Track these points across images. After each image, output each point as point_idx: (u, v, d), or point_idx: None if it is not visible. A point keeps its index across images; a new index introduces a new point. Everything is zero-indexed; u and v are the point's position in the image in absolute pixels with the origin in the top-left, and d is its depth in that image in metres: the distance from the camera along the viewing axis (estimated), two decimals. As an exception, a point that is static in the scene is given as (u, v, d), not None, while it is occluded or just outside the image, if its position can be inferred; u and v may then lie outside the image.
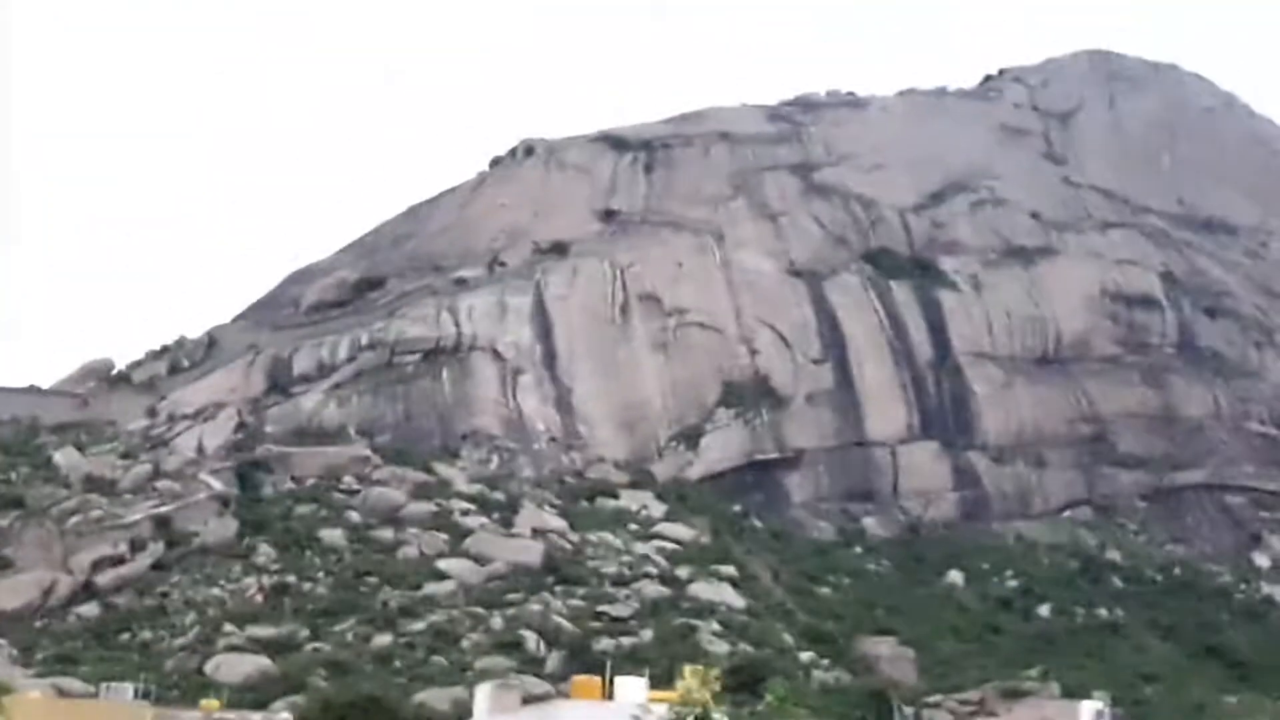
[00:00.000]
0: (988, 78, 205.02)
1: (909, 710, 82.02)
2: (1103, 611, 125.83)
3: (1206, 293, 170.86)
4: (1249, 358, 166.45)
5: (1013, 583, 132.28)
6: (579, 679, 56.66)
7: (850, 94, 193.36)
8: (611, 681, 49.34)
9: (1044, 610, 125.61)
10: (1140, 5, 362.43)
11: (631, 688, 45.57)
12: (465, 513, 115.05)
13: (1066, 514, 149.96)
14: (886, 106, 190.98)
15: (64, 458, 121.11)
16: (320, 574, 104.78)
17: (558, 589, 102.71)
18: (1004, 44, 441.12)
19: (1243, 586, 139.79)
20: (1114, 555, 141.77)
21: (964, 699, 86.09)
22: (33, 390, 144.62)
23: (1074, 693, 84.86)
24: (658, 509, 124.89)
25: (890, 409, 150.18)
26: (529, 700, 58.44)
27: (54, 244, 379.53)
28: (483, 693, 56.20)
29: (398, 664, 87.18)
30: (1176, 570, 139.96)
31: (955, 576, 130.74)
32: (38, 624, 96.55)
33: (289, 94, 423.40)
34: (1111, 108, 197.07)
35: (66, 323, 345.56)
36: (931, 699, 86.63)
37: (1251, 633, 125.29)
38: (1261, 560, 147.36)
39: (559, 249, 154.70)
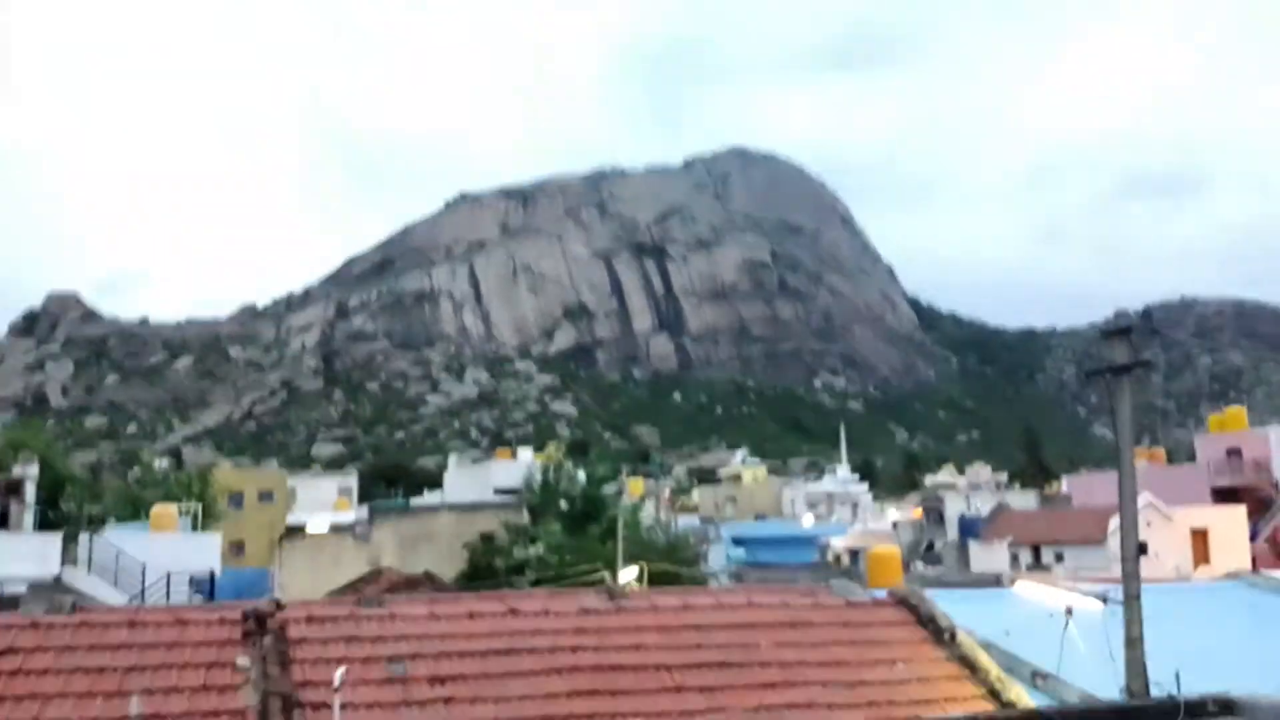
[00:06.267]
0: (687, 160, 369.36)
1: (656, 458, 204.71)
2: (745, 409, 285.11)
3: (790, 260, 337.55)
4: (811, 291, 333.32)
5: (704, 398, 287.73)
6: (499, 450, 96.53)
7: (621, 169, 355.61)
8: (515, 452, 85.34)
9: (718, 411, 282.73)
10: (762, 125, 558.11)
11: (525, 454, 76.81)
12: (440, 372, 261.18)
13: (728, 366, 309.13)
14: (639, 173, 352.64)
15: (236, 352, 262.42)
16: (367, 404, 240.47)
17: (488, 409, 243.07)
18: (695, 139, 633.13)
19: (808, 395, 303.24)
20: (750, 383, 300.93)
21: (683, 452, 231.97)
22: (216, 320, 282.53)
23: (732, 448, 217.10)
24: (534, 369, 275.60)
25: (644, 319, 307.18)
26: (475, 461, 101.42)
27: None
28: (452, 459, 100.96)
29: (408, 447, 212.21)
30: (779, 390, 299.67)
31: (677, 396, 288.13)
32: (225, 433, 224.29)
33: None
34: (745, 174, 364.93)
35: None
36: (666, 453, 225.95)
37: (815, 416, 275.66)
38: (817, 383, 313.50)
39: (481, 244, 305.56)
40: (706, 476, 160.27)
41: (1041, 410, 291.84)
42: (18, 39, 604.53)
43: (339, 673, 8.83)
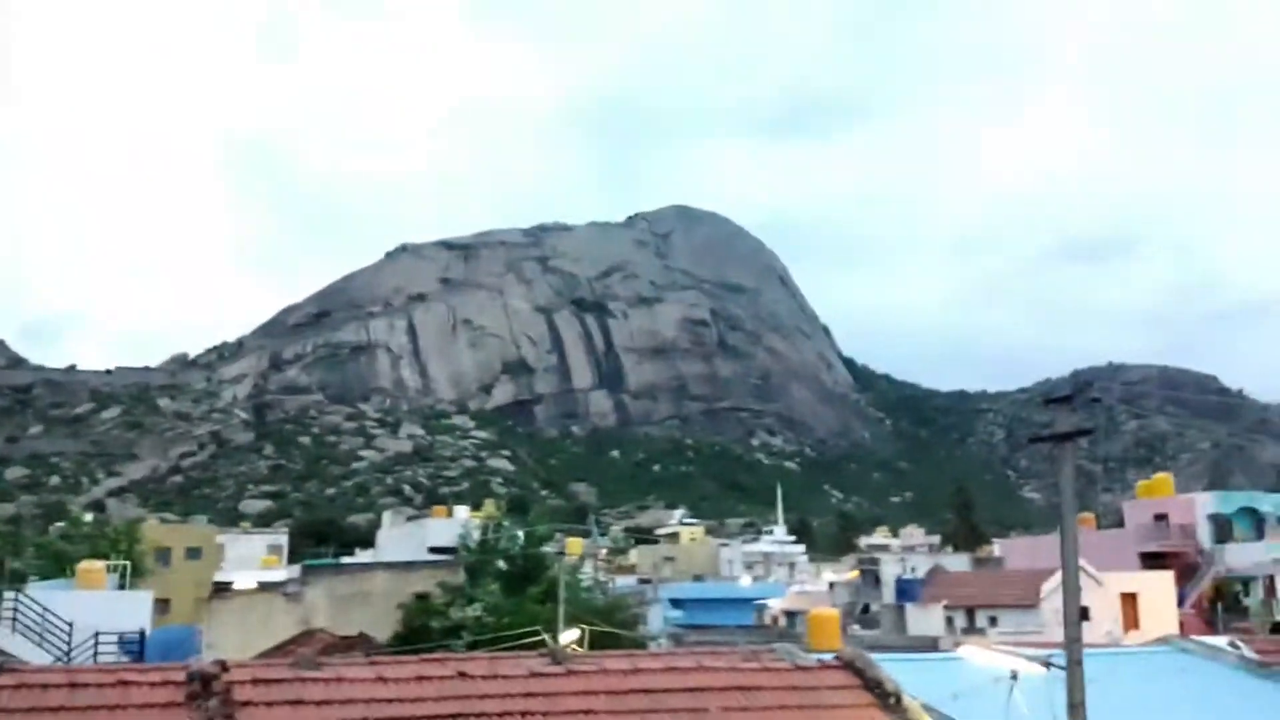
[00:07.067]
0: (630, 217, 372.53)
1: (592, 516, 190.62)
2: (683, 468, 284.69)
3: (728, 318, 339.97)
4: (750, 350, 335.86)
5: (642, 455, 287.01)
6: (436, 508, 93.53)
7: (564, 224, 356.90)
8: (451, 510, 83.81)
9: (656, 468, 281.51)
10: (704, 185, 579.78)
11: (461, 512, 76.07)
12: (374, 426, 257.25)
13: (667, 423, 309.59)
14: (581, 228, 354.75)
15: (165, 403, 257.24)
16: (298, 458, 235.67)
17: (422, 465, 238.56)
18: (638, 196, 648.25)
19: (745, 454, 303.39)
20: (689, 441, 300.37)
21: (620, 510, 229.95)
22: (145, 369, 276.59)
23: (670, 507, 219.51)
24: (470, 424, 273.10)
25: (584, 375, 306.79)
26: (410, 519, 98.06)
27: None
28: (386, 517, 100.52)
29: (339, 503, 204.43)
30: (717, 449, 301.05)
31: (615, 453, 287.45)
32: (151, 486, 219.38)
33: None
34: (687, 232, 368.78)
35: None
36: (603, 511, 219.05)
37: (752, 475, 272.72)
38: (755, 442, 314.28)
39: (421, 297, 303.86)
40: (644, 536, 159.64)
41: (972, 473, 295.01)
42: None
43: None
